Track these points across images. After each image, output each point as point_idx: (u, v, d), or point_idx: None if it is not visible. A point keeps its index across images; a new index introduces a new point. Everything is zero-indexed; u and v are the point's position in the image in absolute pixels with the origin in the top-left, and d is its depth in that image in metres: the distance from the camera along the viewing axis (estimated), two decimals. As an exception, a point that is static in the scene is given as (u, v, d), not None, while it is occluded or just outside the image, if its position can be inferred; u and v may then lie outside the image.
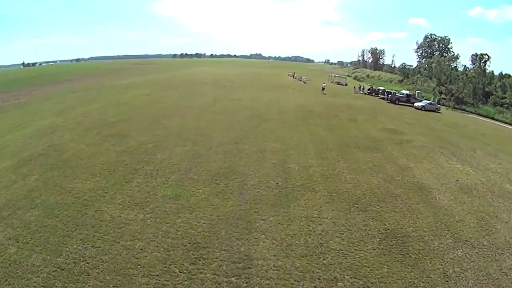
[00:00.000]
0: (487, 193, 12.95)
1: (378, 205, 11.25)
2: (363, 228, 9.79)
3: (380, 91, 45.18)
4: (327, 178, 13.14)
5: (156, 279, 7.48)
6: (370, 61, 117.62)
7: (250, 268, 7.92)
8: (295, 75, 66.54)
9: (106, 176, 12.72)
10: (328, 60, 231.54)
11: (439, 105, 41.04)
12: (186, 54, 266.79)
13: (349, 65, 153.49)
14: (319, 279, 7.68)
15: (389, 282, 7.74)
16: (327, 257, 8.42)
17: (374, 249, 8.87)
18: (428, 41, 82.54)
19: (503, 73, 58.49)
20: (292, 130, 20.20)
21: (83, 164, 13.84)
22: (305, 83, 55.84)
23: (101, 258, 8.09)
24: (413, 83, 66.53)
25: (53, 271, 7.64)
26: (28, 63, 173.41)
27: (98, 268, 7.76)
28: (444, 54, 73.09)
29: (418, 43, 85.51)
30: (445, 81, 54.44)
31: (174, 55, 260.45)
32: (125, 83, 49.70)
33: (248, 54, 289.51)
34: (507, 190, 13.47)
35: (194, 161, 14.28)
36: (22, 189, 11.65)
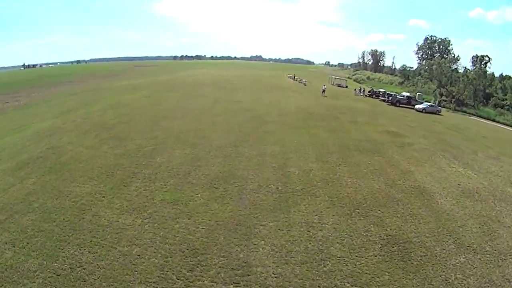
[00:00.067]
0: (489, 197, 12.84)
1: (379, 210, 11.12)
2: (364, 234, 9.66)
3: (381, 93, 45.24)
4: (328, 182, 13.01)
5: (153, 286, 7.37)
6: (370, 63, 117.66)
7: (249, 275, 7.78)
8: (295, 77, 66.55)
9: (104, 179, 12.61)
10: (328, 62, 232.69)
11: (440, 107, 41.01)
12: (186, 56, 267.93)
13: (349, 67, 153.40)
14: (319, 287, 7.55)
15: (391, 290, 7.59)
16: (328, 264, 8.28)
17: (375, 256, 8.73)
18: (428, 43, 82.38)
19: (504, 74, 58.76)
20: (292, 132, 20.09)
21: (81, 167, 13.73)
22: (305, 85, 55.79)
23: (97, 264, 7.97)
24: (413, 85, 66.45)
25: (49, 277, 7.54)
26: (29, 65, 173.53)
27: (95, 274, 7.65)
28: (444, 56, 72.96)
29: (418, 45, 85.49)
30: (445, 83, 54.37)
31: (175, 57, 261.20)
32: (125, 84, 49.69)
33: (249, 56, 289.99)
34: (509, 193, 13.35)
35: (193, 165, 14.16)
36: (19, 192, 11.55)
